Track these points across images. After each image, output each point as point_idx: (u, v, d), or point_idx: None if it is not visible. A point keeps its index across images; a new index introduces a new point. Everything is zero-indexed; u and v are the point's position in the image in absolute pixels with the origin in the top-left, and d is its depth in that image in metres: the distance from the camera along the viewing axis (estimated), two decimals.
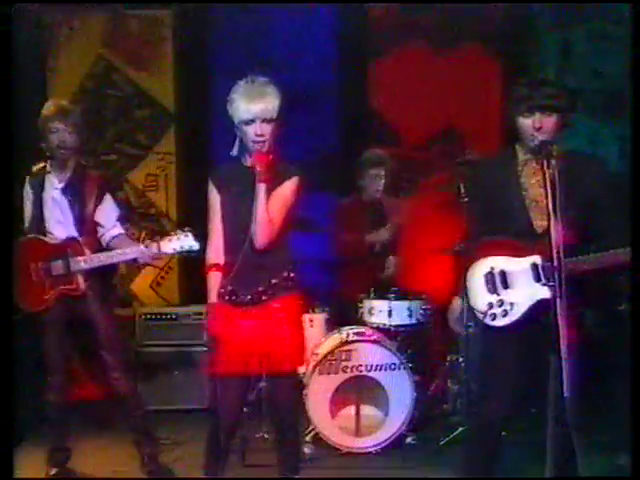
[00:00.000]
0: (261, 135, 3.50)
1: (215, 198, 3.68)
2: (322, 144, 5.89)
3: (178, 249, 4.19)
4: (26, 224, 4.53)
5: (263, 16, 6.27)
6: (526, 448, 4.43)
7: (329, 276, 5.86)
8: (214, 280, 3.68)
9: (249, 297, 3.60)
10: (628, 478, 3.47)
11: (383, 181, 5.65)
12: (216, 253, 3.68)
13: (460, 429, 5.13)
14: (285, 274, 3.63)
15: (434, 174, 6.44)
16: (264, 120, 3.49)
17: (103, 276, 4.53)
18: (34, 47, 6.21)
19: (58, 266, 4.39)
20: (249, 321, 3.60)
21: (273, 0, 6.17)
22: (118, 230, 4.54)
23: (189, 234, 4.17)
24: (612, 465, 4.19)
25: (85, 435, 4.88)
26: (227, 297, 3.64)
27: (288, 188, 3.59)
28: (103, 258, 4.37)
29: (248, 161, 3.60)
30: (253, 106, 3.47)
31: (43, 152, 4.50)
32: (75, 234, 4.43)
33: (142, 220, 6.57)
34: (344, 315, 5.43)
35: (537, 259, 3.47)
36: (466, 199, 4.69)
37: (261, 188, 3.49)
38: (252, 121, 3.49)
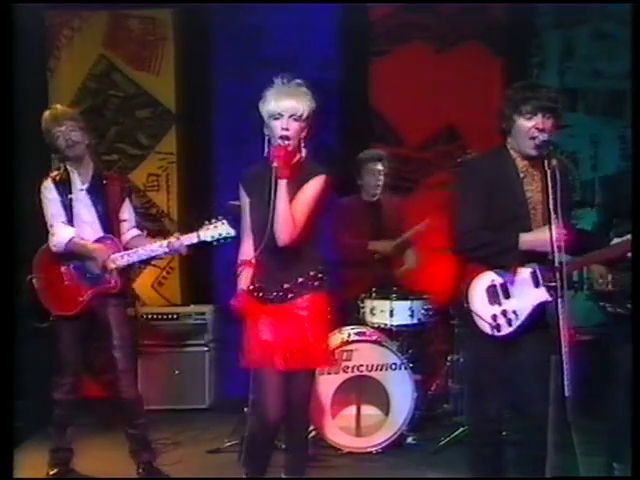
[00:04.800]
0: (286, 129, 3.49)
1: (245, 200, 3.70)
2: (322, 144, 5.90)
3: (217, 236, 4.23)
4: (54, 218, 4.48)
5: (264, 16, 6.27)
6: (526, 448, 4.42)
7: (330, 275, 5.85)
8: (244, 276, 3.68)
9: (275, 294, 3.60)
10: (628, 478, 3.48)
11: (381, 177, 5.64)
12: (247, 251, 3.69)
13: (461, 429, 5.12)
14: (312, 273, 3.62)
15: (435, 174, 6.44)
16: (292, 116, 3.50)
17: (126, 274, 4.61)
18: (35, 48, 6.20)
19: (93, 266, 4.42)
20: (274, 318, 3.60)
21: (274, 0, 6.17)
22: (137, 231, 4.66)
23: (225, 222, 4.22)
24: (612, 466, 4.17)
25: (85, 435, 4.87)
26: (254, 293, 3.63)
27: (312, 187, 3.56)
28: (142, 252, 4.44)
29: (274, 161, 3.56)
30: (283, 102, 3.49)
31: (54, 160, 4.61)
32: (101, 233, 4.48)
33: (143, 220, 6.55)
34: (345, 315, 5.42)
35: (535, 265, 3.51)
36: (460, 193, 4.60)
37: (281, 184, 3.47)
38: (280, 115, 3.50)
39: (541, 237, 3.44)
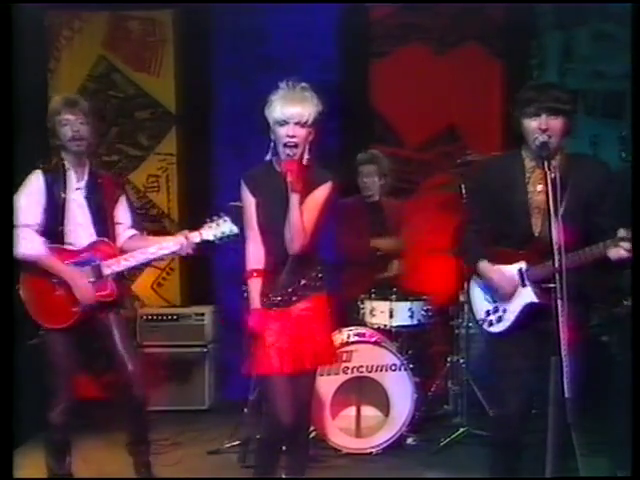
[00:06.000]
0: (292, 136, 3.50)
1: (250, 201, 3.67)
2: (323, 145, 5.89)
3: (219, 235, 4.09)
4: (26, 221, 4.09)
5: (264, 16, 6.27)
6: (526, 448, 4.42)
7: (330, 276, 5.84)
8: (255, 286, 3.64)
9: (280, 298, 3.61)
10: (628, 478, 3.47)
11: (376, 178, 5.65)
12: (256, 258, 3.65)
13: (461, 430, 5.13)
14: (314, 274, 3.65)
15: (435, 175, 6.44)
16: (298, 123, 3.50)
17: (122, 279, 4.36)
18: (35, 48, 6.19)
19: (87, 273, 4.11)
20: (280, 322, 3.60)
21: (274, 0, 6.17)
22: (133, 231, 4.37)
23: (227, 219, 4.09)
24: (612, 466, 4.18)
25: (85, 435, 4.85)
26: (260, 299, 3.63)
27: (321, 194, 3.59)
28: (140, 256, 4.16)
29: (280, 166, 3.58)
30: (289, 109, 3.50)
31: (55, 150, 4.24)
32: (95, 236, 4.18)
33: (143, 221, 6.54)
34: (345, 316, 5.42)
35: (522, 265, 3.52)
36: (467, 199, 4.68)
37: (295, 198, 3.50)
38: (285, 122, 3.50)
39: (490, 274, 3.57)
